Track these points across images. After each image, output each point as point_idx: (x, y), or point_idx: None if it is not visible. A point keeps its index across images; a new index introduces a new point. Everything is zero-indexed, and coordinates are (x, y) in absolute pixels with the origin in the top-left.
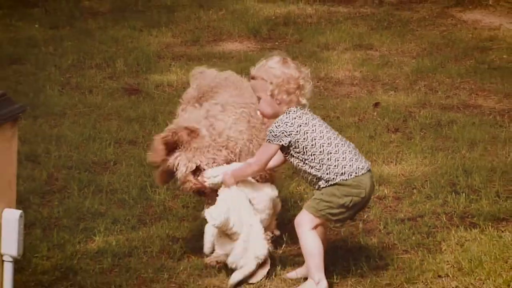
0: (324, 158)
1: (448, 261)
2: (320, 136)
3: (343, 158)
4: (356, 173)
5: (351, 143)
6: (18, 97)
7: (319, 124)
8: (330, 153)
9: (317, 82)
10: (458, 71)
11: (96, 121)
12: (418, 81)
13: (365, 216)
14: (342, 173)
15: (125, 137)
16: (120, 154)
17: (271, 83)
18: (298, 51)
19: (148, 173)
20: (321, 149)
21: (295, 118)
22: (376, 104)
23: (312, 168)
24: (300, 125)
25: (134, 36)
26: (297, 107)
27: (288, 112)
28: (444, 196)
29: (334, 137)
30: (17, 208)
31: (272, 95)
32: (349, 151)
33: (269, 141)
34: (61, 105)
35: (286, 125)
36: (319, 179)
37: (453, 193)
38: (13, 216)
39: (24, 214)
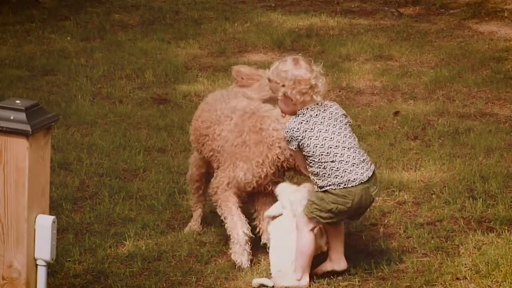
0: (320, 166)
1: (466, 264)
2: (322, 144)
3: (337, 168)
4: (345, 184)
5: (358, 149)
6: (51, 107)
7: (325, 130)
8: (326, 162)
9: (339, 91)
10: (475, 81)
11: (126, 129)
12: (436, 91)
13: (386, 221)
14: (332, 183)
15: (154, 145)
16: (149, 161)
17: (283, 85)
18: (320, 62)
19: (176, 180)
20: (319, 158)
21: (301, 122)
22: (396, 113)
23: (311, 172)
24: (306, 130)
25: (163, 48)
26: (308, 108)
27: (297, 115)
28: (462, 201)
29: (337, 145)
30: (50, 214)
31: (286, 96)
32: (346, 162)
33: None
34: (93, 115)
35: (293, 130)
36: (315, 182)
37: (471, 198)
38: (46, 221)
39: (57, 219)
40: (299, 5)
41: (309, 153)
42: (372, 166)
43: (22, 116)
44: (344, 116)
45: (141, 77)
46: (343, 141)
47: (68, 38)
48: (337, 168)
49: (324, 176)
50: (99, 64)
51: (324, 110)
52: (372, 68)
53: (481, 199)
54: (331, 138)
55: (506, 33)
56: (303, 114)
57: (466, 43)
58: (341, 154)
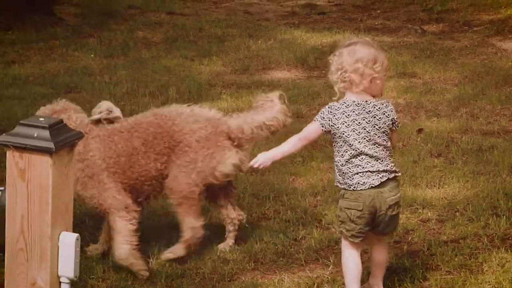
0: (340, 160)
1: (489, 282)
2: (350, 139)
3: (351, 171)
4: (354, 187)
5: (381, 155)
6: None
7: (355, 127)
8: (346, 159)
9: None
10: (498, 98)
11: None
12: (460, 108)
13: (409, 239)
14: (344, 183)
15: None
16: None
17: None
18: None
19: None
20: (343, 153)
21: (340, 108)
22: (420, 130)
23: (334, 161)
24: (341, 117)
25: (186, 65)
26: (350, 101)
27: (343, 101)
28: (485, 218)
29: (362, 145)
30: (74, 231)
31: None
32: (362, 166)
33: (315, 119)
34: None
35: (330, 109)
36: (335, 176)
37: (494, 215)
38: (70, 239)
39: (80, 237)
40: (323, 22)
41: (337, 142)
42: (389, 174)
43: (46, 133)
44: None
45: (164, 94)
46: (365, 145)
47: (92, 55)
48: (352, 171)
49: (340, 172)
50: (122, 81)
51: (361, 109)
52: (395, 85)
53: (504, 217)
54: (358, 135)
55: None
56: (347, 104)
57: (489, 60)
58: (362, 158)
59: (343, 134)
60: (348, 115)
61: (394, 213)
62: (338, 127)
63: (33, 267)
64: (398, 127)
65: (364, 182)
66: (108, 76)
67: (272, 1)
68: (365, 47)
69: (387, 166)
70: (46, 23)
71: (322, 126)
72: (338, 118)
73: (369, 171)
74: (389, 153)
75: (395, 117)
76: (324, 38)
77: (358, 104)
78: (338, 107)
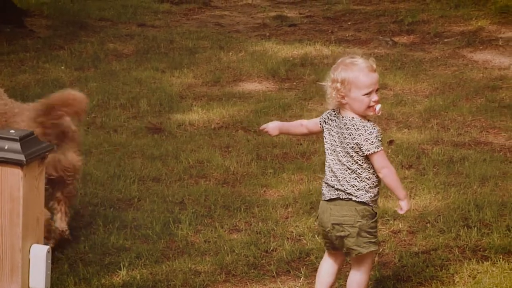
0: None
1: None
2: (325, 146)
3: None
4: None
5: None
6: None
7: (330, 137)
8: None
9: None
10: (469, 109)
11: (120, 159)
12: (430, 119)
13: (381, 250)
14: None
15: (148, 174)
16: (144, 191)
17: None
18: (315, 91)
19: (171, 209)
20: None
21: (331, 114)
22: (391, 142)
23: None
24: (328, 122)
25: (157, 77)
26: (336, 111)
27: (335, 109)
28: (456, 230)
29: (330, 157)
30: (45, 243)
31: None
32: (326, 176)
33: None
34: (87, 144)
35: (327, 112)
36: None
37: (465, 227)
38: (41, 251)
39: (52, 249)
40: (294, 34)
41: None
42: (344, 195)
43: (17, 146)
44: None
45: (135, 107)
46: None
47: (63, 67)
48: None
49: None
50: (93, 93)
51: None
52: None
53: (475, 228)
54: (331, 145)
55: (501, 62)
56: (330, 112)
57: (460, 71)
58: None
59: (324, 138)
60: (331, 123)
61: (341, 234)
62: (324, 130)
63: (4, 279)
64: (369, 152)
65: (323, 192)
66: (78, 88)
67: (243, 13)
68: (348, 66)
69: (343, 186)
70: (17, 35)
71: (320, 123)
72: (326, 122)
73: (327, 183)
74: (355, 176)
75: (362, 142)
76: (295, 50)
77: (337, 116)
78: (330, 113)
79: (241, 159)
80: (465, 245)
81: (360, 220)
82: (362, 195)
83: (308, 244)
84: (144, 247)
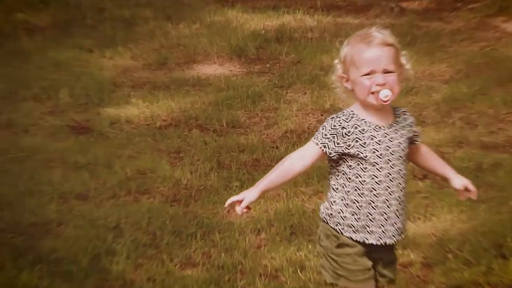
0: None
1: None
2: None
3: None
4: None
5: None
6: None
7: None
8: None
9: (321, 115)
10: (503, 99)
11: (34, 169)
12: (452, 113)
13: None
14: None
15: (72, 189)
16: (66, 212)
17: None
18: (296, 75)
19: (103, 237)
20: None
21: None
22: None
23: None
24: None
25: (83, 59)
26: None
27: None
28: (487, 262)
29: None
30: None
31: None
32: None
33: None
34: None
35: None
36: None
37: (500, 257)
38: None
39: None
40: None
41: None
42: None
43: None
44: None
45: (53, 98)
46: None
47: None
48: None
49: None
50: None
51: None
52: None
53: None
54: None
55: None
56: None
57: (491, 48)
58: None
59: None
60: None
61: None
62: None
63: None
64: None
65: None
66: None
67: None
68: (354, 39)
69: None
70: None
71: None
72: None
73: None
74: (330, 189)
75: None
76: (269, 20)
77: None
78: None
79: (197, 168)
80: (499, 282)
81: (323, 240)
82: (322, 209)
83: (288, 282)
84: (95, 261)
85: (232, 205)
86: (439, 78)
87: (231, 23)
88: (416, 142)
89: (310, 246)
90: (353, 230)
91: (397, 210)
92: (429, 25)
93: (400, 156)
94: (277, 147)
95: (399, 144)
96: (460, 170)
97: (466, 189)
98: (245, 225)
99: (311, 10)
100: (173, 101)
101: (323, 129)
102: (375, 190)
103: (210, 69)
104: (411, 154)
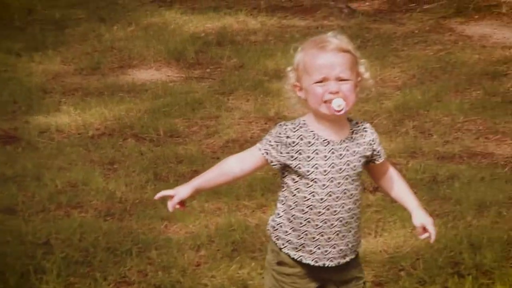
0: None
1: None
2: None
3: None
4: None
5: None
6: None
7: None
8: None
9: (265, 123)
10: (460, 106)
11: None
12: (405, 121)
13: None
14: None
15: None
16: None
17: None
18: (238, 81)
19: (31, 253)
20: None
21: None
22: None
23: None
24: None
25: (10, 63)
26: None
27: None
28: (443, 280)
29: None
30: None
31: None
32: None
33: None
34: None
35: None
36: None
37: (456, 275)
38: None
39: None
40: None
41: None
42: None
43: None
44: None
45: None
46: None
47: None
48: None
49: None
50: None
51: None
52: None
53: (470, 277)
54: None
55: (505, 37)
56: None
57: (447, 52)
58: None
59: None
60: None
61: None
62: None
63: None
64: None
65: None
66: None
67: None
68: (307, 44)
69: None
70: None
71: None
72: None
73: None
74: (278, 199)
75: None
76: (209, 22)
77: None
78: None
79: (132, 180)
80: None
81: (268, 253)
82: (269, 220)
83: None
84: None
85: (165, 199)
86: (391, 84)
87: (169, 25)
88: (376, 162)
89: (253, 264)
90: (292, 247)
91: (339, 231)
92: (380, 27)
93: (348, 176)
94: (218, 158)
95: (349, 162)
96: (414, 183)
97: (425, 229)
98: (184, 241)
99: (255, 11)
100: (106, 108)
101: (269, 135)
102: (316, 208)
103: (146, 74)
104: (374, 175)
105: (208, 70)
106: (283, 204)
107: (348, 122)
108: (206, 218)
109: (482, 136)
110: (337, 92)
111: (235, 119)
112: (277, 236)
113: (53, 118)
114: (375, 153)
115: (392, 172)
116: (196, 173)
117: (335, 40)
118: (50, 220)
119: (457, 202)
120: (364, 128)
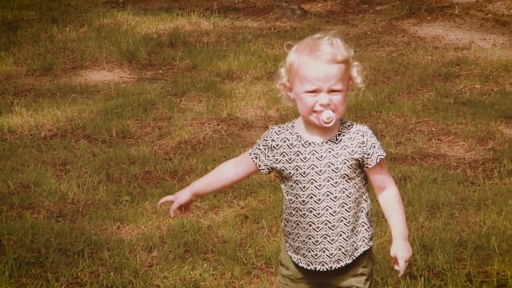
0: None
1: None
2: None
3: None
4: None
5: None
6: None
7: None
8: None
9: (217, 124)
10: (412, 108)
11: None
12: (357, 122)
13: None
14: None
15: None
16: None
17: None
18: (191, 82)
19: None
20: None
21: None
22: None
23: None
24: None
25: None
26: None
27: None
28: (395, 282)
29: None
30: None
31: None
32: None
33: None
34: None
35: None
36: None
37: (408, 277)
38: None
39: None
40: (159, 0)
41: None
42: None
43: None
44: None
45: None
46: None
47: None
48: None
49: None
50: None
51: None
52: (264, 90)
53: (422, 278)
54: None
55: (457, 39)
56: None
57: (399, 53)
58: None
59: None
60: None
61: None
62: None
63: None
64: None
65: None
66: None
67: None
68: (302, 47)
69: None
70: None
71: None
72: None
73: None
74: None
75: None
76: (161, 23)
77: None
78: None
79: (84, 181)
80: None
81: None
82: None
83: None
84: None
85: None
86: None
87: (121, 26)
88: (368, 166)
89: (205, 265)
90: (292, 250)
91: (326, 235)
92: (332, 28)
93: (329, 178)
94: (170, 159)
95: (330, 164)
96: None
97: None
98: (136, 242)
99: (207, 12)
100: (59, 109)
101: (259, 139)
102: (300, 211)
103: (98, 76)
104: (373, 184)
105: (160, 71)
106: (284, 208)
107: (338, 123)
108: (158, 219)
109: (434, 138)
110: (328, 105)
111: (188, 120)
112: (285, 237)
113: (5, 119)
114: (366, 156)
115: (391, 194)
116: (148, 174)
117: (330, 48)
118: (2, 221)
119: (409, 203)
120: (357, 130)
